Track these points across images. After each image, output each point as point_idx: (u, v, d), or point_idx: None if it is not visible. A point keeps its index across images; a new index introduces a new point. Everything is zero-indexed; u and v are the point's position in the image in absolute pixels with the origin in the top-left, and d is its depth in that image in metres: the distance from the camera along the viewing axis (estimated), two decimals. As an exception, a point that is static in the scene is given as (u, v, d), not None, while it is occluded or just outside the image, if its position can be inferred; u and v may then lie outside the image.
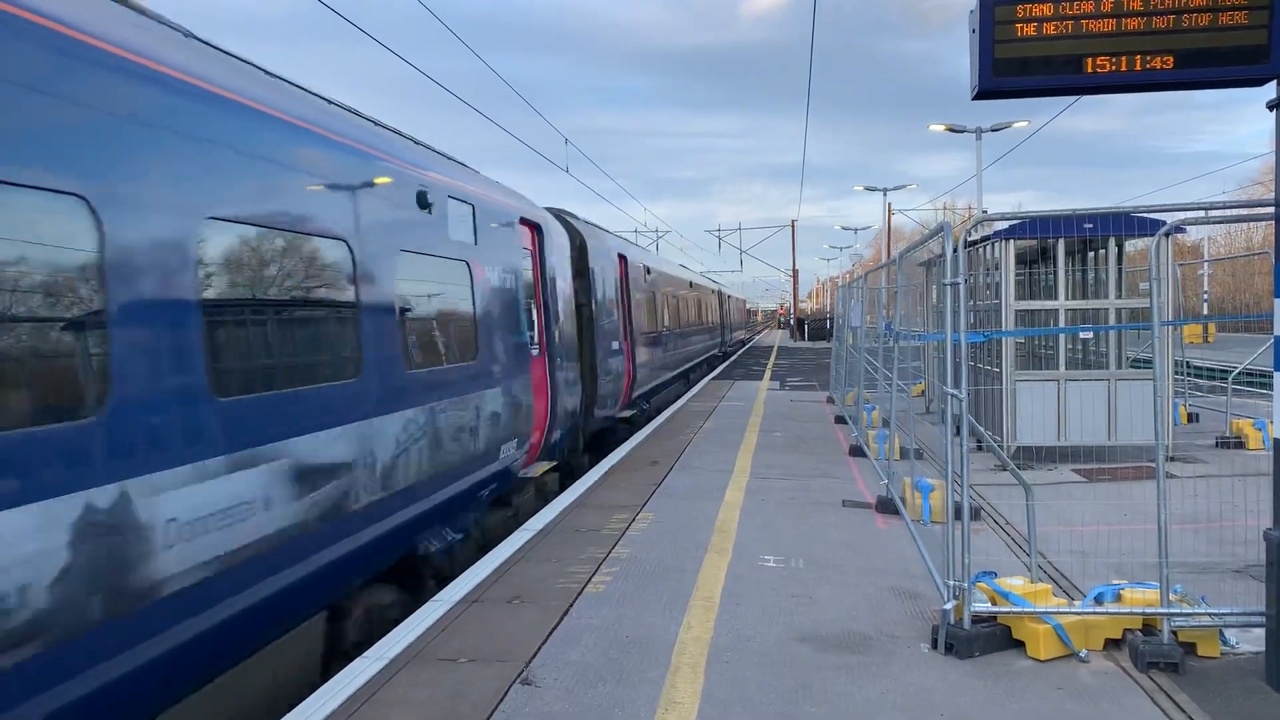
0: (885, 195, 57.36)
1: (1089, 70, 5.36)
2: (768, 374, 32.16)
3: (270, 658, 5.68)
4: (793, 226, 79.52)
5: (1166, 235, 5.96)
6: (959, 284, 6.21)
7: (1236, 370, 16.14)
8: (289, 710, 5.25)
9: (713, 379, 30.45)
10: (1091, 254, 14.42)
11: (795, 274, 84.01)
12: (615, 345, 16.52)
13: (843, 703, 5.19)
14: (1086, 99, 10.42)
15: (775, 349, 53.35)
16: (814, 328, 67.07)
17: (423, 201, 8.02)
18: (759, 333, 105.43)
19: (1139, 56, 5.29)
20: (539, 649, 5.99)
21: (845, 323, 20.93)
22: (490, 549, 8.76)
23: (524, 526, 9.40)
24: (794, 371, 33.29)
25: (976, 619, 5.95)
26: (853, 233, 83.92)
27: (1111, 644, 5.91)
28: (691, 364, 28.60)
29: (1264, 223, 6.25)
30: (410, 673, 5.63)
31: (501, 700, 5.21)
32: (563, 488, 11.90)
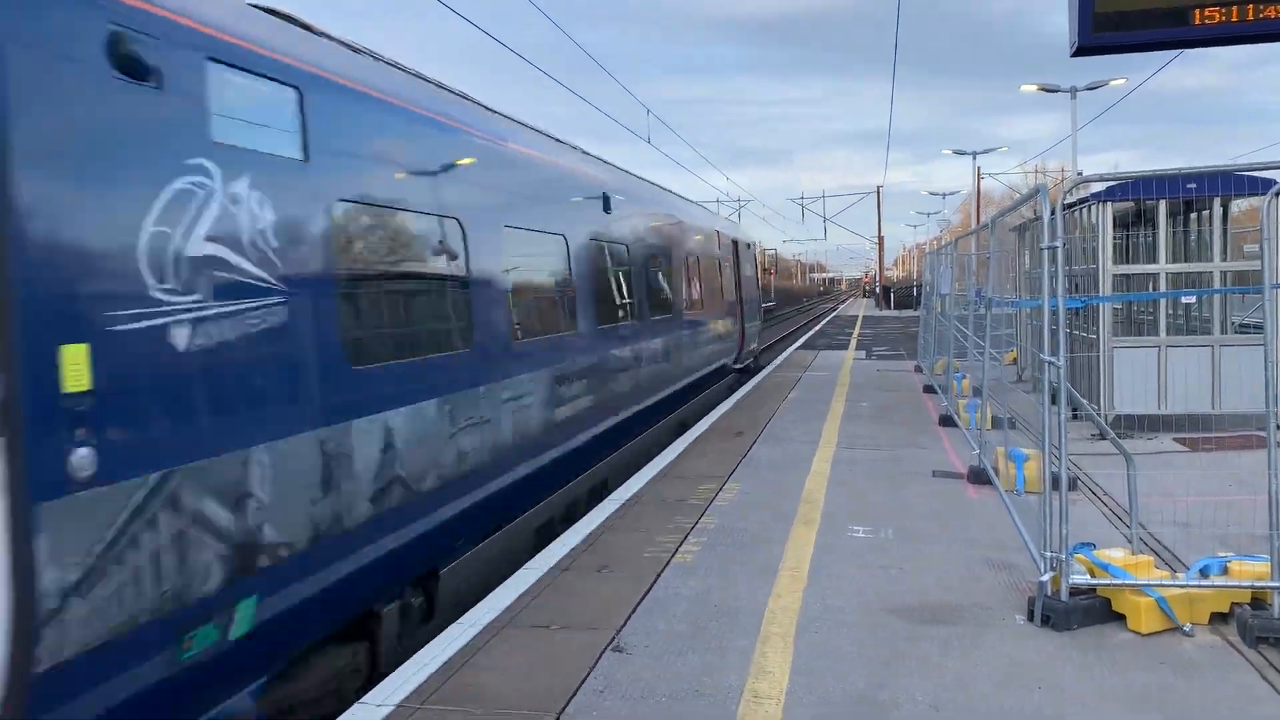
0: (974, 159, 56.05)
1: (1196, 22, 5.13)
2: (853, 343, 31.77)
3: None
4: (878, 193, 78.21)
5: (1278, 195, 5.70)
6: (1057, 247, 6.02)
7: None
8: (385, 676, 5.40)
9: (797, 349, 30.22)
10: (1194, 215, 13.87)
11: (880, 241, 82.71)
12: None
13: (936, 674, 5.13)
14: (1189, 52, 9.97)
15: (860, 318, 52.67)
16: (900, 296, 66.05)
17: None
18: (842, 302, 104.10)
19: (1251, 5, 5.04)
20: (629, 617, 6.05)
21: (934, 290, 20.54)
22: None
23: (611, 496, 9.49)
24: (880, 340, 32.84)
25: (1074, 591, 5.82)
26: (940, 198, 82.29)
27: (1218, 618, 5.72)
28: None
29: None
30: (505, 639, 5.74)
31: (594, 667, 5.28)
32: None
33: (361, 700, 4.92)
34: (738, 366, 21.63)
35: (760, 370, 22.62)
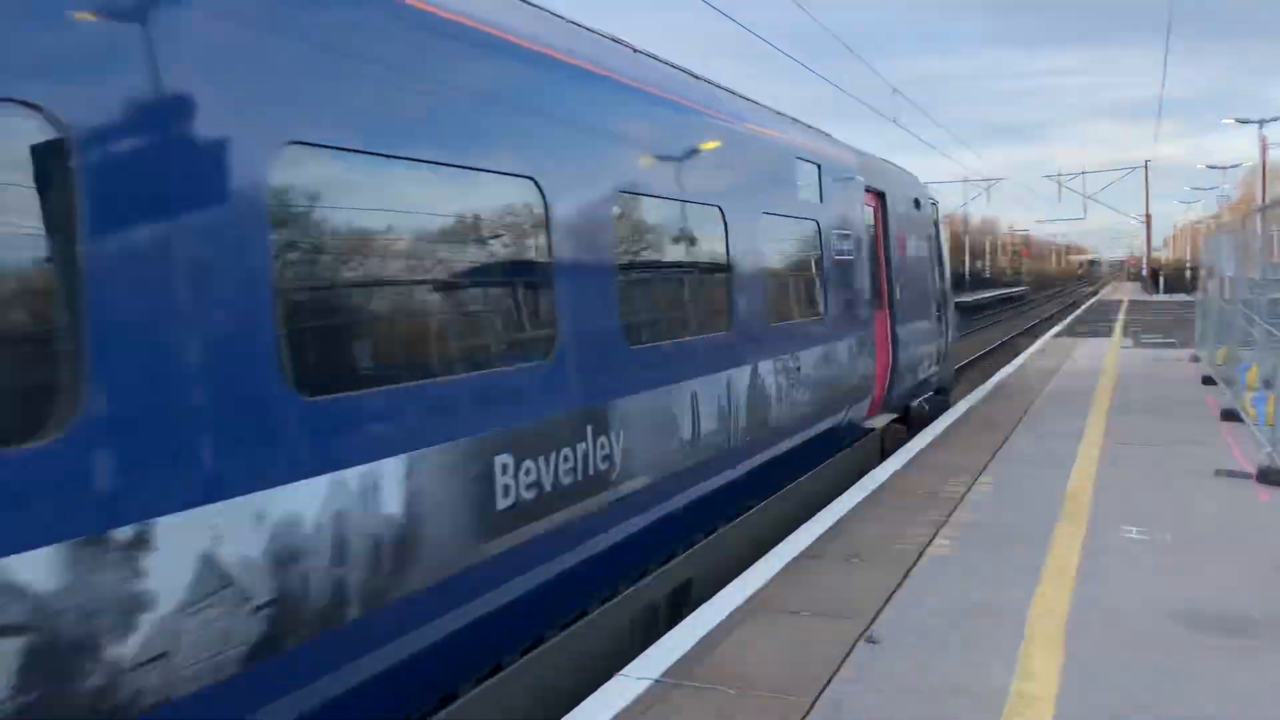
0: (1261, 128, 50.76)
1: None
2: (1118, 330, 29.64)
3: None
4: (1145, 168, 72.46)
5: None
6: (1378, 223, 5.35)
7: None
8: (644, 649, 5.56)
9: (1055, 336, 28.58)
10: None
11: (1149, 220, 76.53)
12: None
13: (1224, 689, 4.72)
14: None
15: (1125, 303, 49.04)
16: (1171, 278, 61.16)
17: None
18: (1103, 286, 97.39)
19: None
20: (881, 609, 5.92)
21: (1215, 272, 18.85)
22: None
23: (857, 485, 9.32)
24: (1149, 328, 30.44)
25: (1395, 609, 5.18)
26: (1219, 172, 75.37)
27: None
28: None
29: None
30: (756, 622, 5.76)
31: (846, 656, 5.22)
32: None
33: (621, 673, 5.09)
34: (876, 423, 12.28)
35: (932, 417, 13.97)
